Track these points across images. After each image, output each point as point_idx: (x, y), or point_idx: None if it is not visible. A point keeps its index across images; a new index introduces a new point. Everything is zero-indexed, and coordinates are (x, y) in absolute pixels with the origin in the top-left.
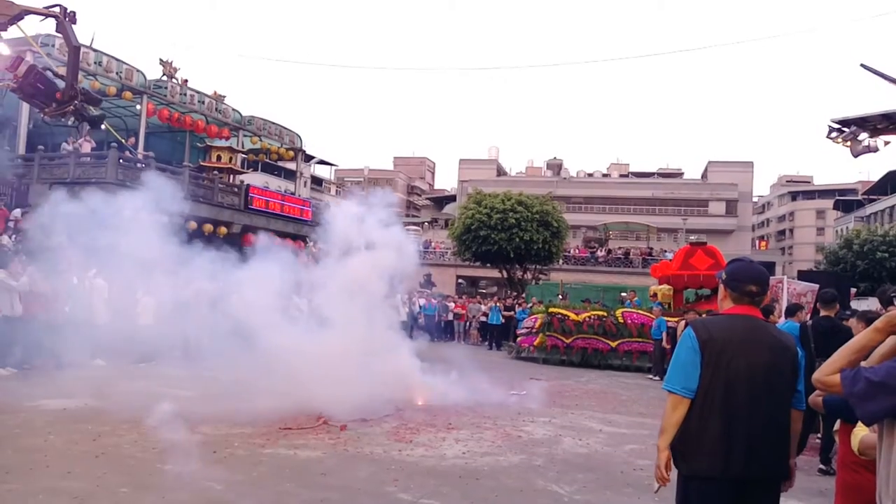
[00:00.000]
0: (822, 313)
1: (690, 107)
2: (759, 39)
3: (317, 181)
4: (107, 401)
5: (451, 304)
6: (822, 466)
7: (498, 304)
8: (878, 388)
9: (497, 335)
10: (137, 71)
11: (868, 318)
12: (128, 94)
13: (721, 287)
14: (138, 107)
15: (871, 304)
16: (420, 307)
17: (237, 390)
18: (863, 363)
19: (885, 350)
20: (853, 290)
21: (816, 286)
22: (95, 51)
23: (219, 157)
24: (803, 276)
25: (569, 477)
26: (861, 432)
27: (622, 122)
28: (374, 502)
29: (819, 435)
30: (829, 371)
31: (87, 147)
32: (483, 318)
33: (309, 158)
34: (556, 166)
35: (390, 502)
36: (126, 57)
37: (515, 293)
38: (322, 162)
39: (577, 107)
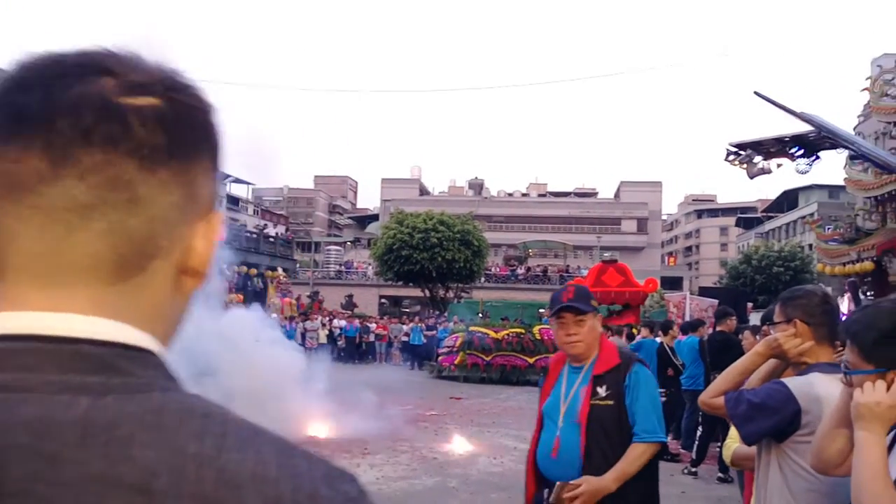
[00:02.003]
0: (718, 328)
1: (605, 129)
2: (667, 66)
3: (233, 200)
4: None
5: (373, 325)
6: (720, 475)
7: (420, 325)
8: (758, 410)
9: (419, 355)
10: None
11: (759, 332)
12: None
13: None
14: None
15: None
16: (341, 329)
17: None
18: (744, 385)
19: (763, 373)
20: (750, 305)
21: (717, 301)
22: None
23: None
24: (704, 292)
25: (482, 497)
26: (733, 444)
27: (541, 143)
28: None
29: (719, 444)
30: (714, 393)
31: None
32: (405, 339)
33: (224, 177)
34: (477, 186)
35: None
36: None
37: (438, 312)
38: (238, 180)
39: (498, 128)
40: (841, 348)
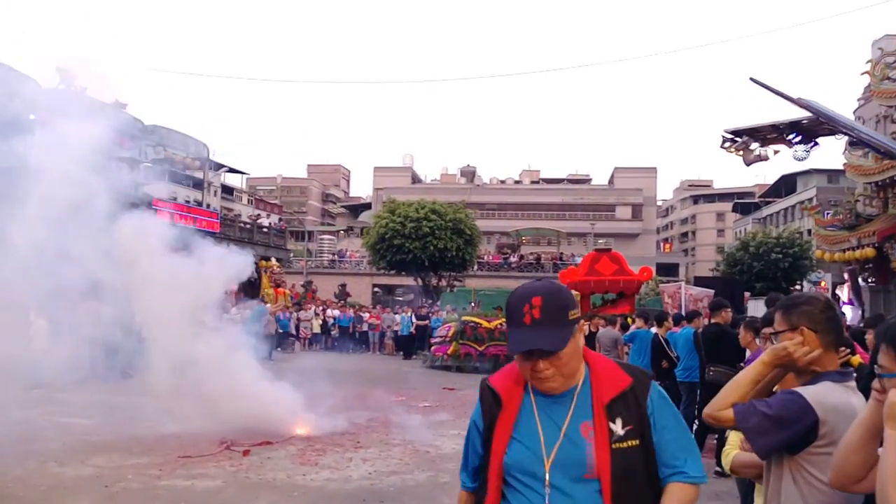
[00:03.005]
0: (713, 320)
1: (598, 114)
2: (660, 53)
3: (227, 190)
4: None
5: (366, 315)
6: (718, 469)
7: (408, 314)
8: (772, 422)
9: (412, 344)
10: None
11: (754, 327)
12: None
13: None
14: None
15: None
16: (334, 318)
17: (138, 415)
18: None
19: (764, 383)
20: (747, 294)
21: (712, 291)
22: None
23: None
24: (700, 281)
25: None
26: (733, 451)
27: (534, 129)
28: None
29: (716, 436)
30: (720, 406)
31: None
32: (397, 329)
33: (219, 167)
34: (469, 174)
35: None
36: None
37: (430, 301)
38: (232, 170)
39: (490, 115)
40: (847, 352)
